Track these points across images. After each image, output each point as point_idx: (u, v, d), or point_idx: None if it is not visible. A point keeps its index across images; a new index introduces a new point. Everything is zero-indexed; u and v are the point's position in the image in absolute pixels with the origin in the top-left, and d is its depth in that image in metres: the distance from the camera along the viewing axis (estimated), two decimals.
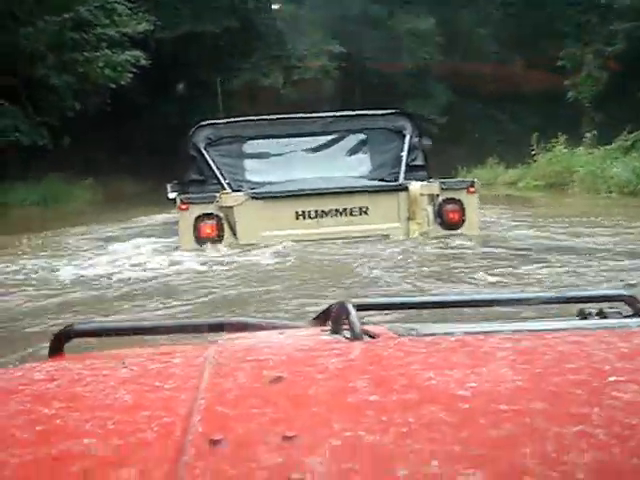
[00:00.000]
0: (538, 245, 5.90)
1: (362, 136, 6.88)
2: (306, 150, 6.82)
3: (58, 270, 5.22)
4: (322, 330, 0.78)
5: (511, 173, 18.36)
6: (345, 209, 5.89)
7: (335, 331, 0.74)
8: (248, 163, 6.67)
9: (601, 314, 0.82)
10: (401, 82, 25.66)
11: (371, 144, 6.84)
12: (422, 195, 6.00)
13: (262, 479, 0.40)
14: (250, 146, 6.71)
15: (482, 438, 0.44)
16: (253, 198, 5.82)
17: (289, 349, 0.68)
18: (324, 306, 0.85)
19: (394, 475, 0.40)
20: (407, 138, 6.73)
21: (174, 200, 6.20)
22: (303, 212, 5.84)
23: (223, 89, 20.01)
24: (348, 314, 0.71)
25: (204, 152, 6.45)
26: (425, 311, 1.42)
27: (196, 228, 5.68)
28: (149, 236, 6.86)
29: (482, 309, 0.97)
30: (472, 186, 6.21)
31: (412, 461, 0.41)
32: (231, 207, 5.75)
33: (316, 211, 5.86)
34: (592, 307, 0.84)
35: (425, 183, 6.17)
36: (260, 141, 6.74)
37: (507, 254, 5.44)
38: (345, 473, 0.41)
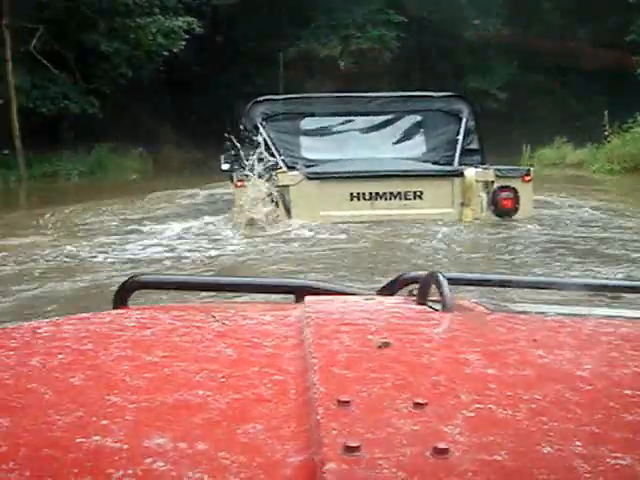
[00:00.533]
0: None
1: (418, 117, 7.00)
2: (362, 129, 6.97)
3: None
4: (406, 299, 0.76)
5: (579, 153, 17.36)
6: (399, 192, 6.03)
7: (421, 302, 0.72)
8: (303, 140, 6.85)
9: None
10: (462, 54, 25.11)
11: (427, 126, 6.96)
12: (477, 181, 6.10)
13: (404, 445, 0.39)
14: (306, 123, 6.89)
15: (618, 422, 0.42)
16: (309, 178, 5.99)
17: (384, 315, 0.66)
18: (392, 277, 0.84)
19: (540, 452, 0.39)
20: (464, 121, 6.83)
21: (228, 172, 6.46)
22: (358, 194, 6.01)
23: (278, 61, 20.14)
24: (440, 285, 0.68)
25: (260, 127, 6.65)
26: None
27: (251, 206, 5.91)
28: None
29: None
30: (528, 174, 6.29)
31: (554, 439, 0.40)
32: (287, 186, 5.95)
33: (370, 193, 6.01)
34: None
35: (480, 170, 6.26)
36: (316, 118, 6.91)
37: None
38: (488, 446, 0.39)
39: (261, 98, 6.90)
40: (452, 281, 0.74)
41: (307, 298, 0.73)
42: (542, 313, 0.70)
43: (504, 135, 22.63)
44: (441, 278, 0.69)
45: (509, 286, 0.97)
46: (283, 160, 6.48)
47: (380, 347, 0.52)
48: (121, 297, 0.77)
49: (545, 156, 18.05)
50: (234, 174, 6.16)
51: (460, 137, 6.74)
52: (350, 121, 6.96)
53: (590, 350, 0.54)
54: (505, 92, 24.49)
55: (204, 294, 1.07)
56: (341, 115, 6.94)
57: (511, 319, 0.64)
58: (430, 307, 0.69)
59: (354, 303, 0.73)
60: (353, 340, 0.55)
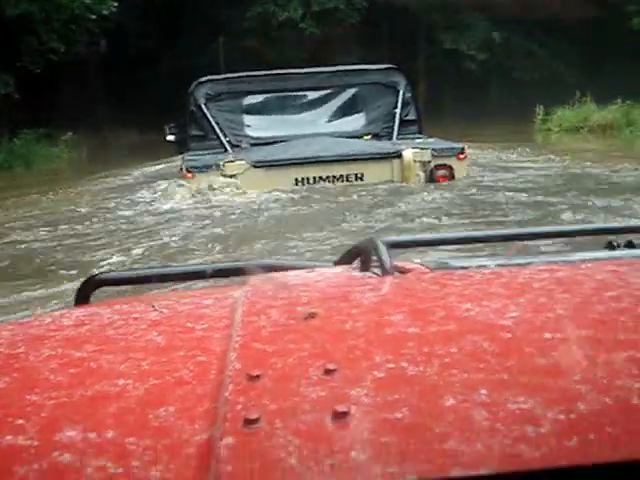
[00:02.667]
0: None
1: (356, 91, 8.15)
2: (302, 105, 8.15)
3: None
4: (351, 268, 0.85)
5: (606, 114, 15.34)
6: (342, 175, 7.17)
7: (365, 269, 0.81)
8: (246, 118, 8.00)
9: (630, 245, 0.93)
10: (432, 12, 26.00)
11: (365, 99, 8.16)
12: (415, 162, 7.24)
13: (306, 412, 0.45)
14: (248, 101, 8.03)
15: (530, 366, 0.49)
16: (254, 166, 7.04)
17: (320, 286, 0.76)
18: (348, 247, 0.93)
19: (442, 405, 0.45)
20: (400, 93, 8.02)
21: (172, 142, 7.65)
22: (302, 179, 7.12)
23: (233, 30, 20.94)
24: (378, 251, 0.78)
25: (204, 107, 7.79)
26: (452, 248, 1.39)
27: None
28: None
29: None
30: (462, 152, 7.48)
31: (459, 390, 0.46)
32: (234, 175, 6.99)
33: (314, 177, 7.14)
34: (620, 239, 0.93)
35: (418, 150, 7.35)
36: (258, 96, 8.05)
37: None
38: (391, 404, 0.45)
39: (204, 79, 8.00)
40: (394, 245, 0.85)
41: (252, 277, 0.82)
42: (483, 266, 0.78)
43: (483, 96, 23.56)
44: (379, 244, 0.79)
45: (449, 243, 1.05)
46: (228, 141, 7.62)
47: (306, 318, 0.60)
48: (82, 297, 0.89)
49: (564, 117, 16.29)
50: (183, 165, 7.16)
51: (398, 109, 7.96)
52: (291, 97, 8.11)
53: (518, 298, 0.62)
54: (484, 52, 25.54)
55: (169, 285, 1.18)
56: (282, 91, 8.09)
57: (447, 276, 0.73)
58: (373, 273, 0.78)
59: (295, 276, 0.82)
60: (281, 314, 0.62)
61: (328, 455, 0.43)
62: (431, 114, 23.40)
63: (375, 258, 0.79)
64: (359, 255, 0.86)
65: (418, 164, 7.27)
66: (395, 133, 7.92)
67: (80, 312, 0.75)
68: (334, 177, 7.17)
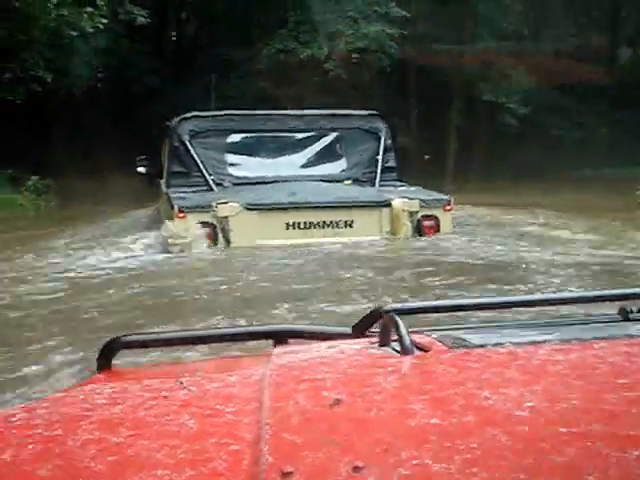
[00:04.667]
0: None
1: (339, 135, 9.62)
2: (285, 146, 9.61)
3: None
4: (371, 342, 1.00)
5: None
6: (332, 221, 8.49)
7: (384, 343, 0.97)
8: (229, 157, 9.44)
9: None
10: (469, 62, 27.38)
11: (347, 143, 9.61)
12: (403, 211, 8.61)
13: None
14: (232, 139, 9.49)
15: (546, 465, 0.58)
16: (247, 209, 8.33)
17: (343, 367, 0.89)
18: (366, 311, 1.11)
19: None
20: (382, 139, 9.50)
21: (143, 175, 9.18)
22: (293, 223, 8.44)
23: (251, 68, 22.61)
24: (397, 326, 0.93)
25: (188, 144, 9.25)
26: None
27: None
28: None
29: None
30: (448, 204, 8.89)
31: None
32: (226, 217, 8.26)
33: (305, 222, 8.45)
34: (632, 304, 1.10)
35: (406, 200, 8.71)
36: (242, 135, 9.53)
37: None
38: None
39: (189, 115, 9.45)
40: (408, 312, 1.01)
41: (274, 350, 1.00)
42: (498, 344, 0.90)
43: (523, 156, 24.62)
44: (397, 319, 0.94)
45: (463, 310, 1.21)
46: (212, 179, 9.05)
47: (332, 405, 0.71)
48: (105, 358, 1.04)
49: None
50: (175, 204, 8.32)
51: (380, 155, 9.43)
52: (275, 138, 9.58)
53: (534, 385, 0.73)
54: (526, 107, 26.83)
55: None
56: (266, 132, 9.57)
57: (465, 357, 0.86)
58: (393, 349, 0.93)
59: (317, 353, 0.97)
60: (307, 399, 0.74)
61: None
62: (460, 168, 24.85)
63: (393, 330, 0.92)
64: (375, 321, 1.03)
65: (406, 214, 8.64)
66: (377, 179, 9.37)
67: (111, 388, 0.89)
68: (324, 223, 8.48)
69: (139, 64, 20.60)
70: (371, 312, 1.09)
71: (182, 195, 8.68)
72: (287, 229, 8.46)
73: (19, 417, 0.81)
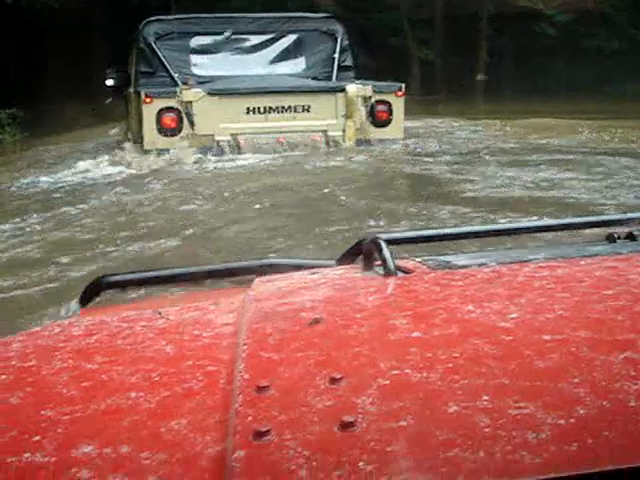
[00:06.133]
0: None
1: (298, 37, 11.31)
2: (247, 47, 11.31)
3: None
4: (354, 268, 1.11)
5: None
6: (290, 106, 10.20)
7: (368, 268, 1.06)
8: (193, 57, 11.16)
9: (630, 237, 1.19)
10: None
11: (306, 45, 11.30)
12: (357, 96, 10.29)
13: (313, 423, 0.60)
14: (196, 41, 11.18)
15: (530, 370, 0.64)
16: (210, 94, 10.07)
17: (323, 289, 0.98)
18: (351, 243, 1.20)
19: (446, 412, 0.60)
20: (339, 40, 11.18)
21: (113, 87, 10.88)
22: (254, 108, 10.16)
23: None
24: (380, 250, 1.02)
25: (153, 45, 10.97)
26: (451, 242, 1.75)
27: (158, 120, 9.98)
28: None
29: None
30: (400, 90, 10.60)
31: (462, 397, 0.61)
32: (190, 102, 10.01)
33: (265, 107, 10.17)
34: (621, 230, 1.19)
35: (360, 86, 10.45)
36: (205, 37, 11.24)
37: None
38: (396, 413, 0.60)
39: (153, 18, 11.09)
40: (394, 241, 1.10)
41: (256, 280, 1.08)
42: (483, 264, 1.00)
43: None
44: (381, 242, 1.03)
45: (450, 239, 1.31)
46: (177, 77, 10.85)
47: (311, 324, 0.78)
48: (86, 299, 1.18)
49: None
50: (141, 90, 10.15)
51: (336, 55, 11.11)
52: (236, 40, 11.24)
53: (518, 298, 0.81)
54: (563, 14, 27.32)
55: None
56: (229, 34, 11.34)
57: (448, 276, 0.95)
58: (376, 273, 1.02)
59: (299, 279, 1.06)
60: (286, 320, 0.82)
61: (337, 466, 0.56)
62: (490, 82, 25.83)
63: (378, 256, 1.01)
64: (361, 252, 1.11)
65: (360, 99, 10.33)
66: (334, 76, 11.03)
67: (89, 320, 0.98)
68: (283, 108, 10.19)
69: None
70: (356, 243, 1.18)
71: (148, 86, 10.48)
72: (247, 113, 10.19)
73: None
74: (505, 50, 27.40)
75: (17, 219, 7.48)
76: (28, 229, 7.07)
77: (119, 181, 9.38)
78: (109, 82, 11.95)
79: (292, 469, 0.56)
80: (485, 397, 0.61)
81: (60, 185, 9.43)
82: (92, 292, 1.22)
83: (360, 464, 0.56)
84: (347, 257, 1.23)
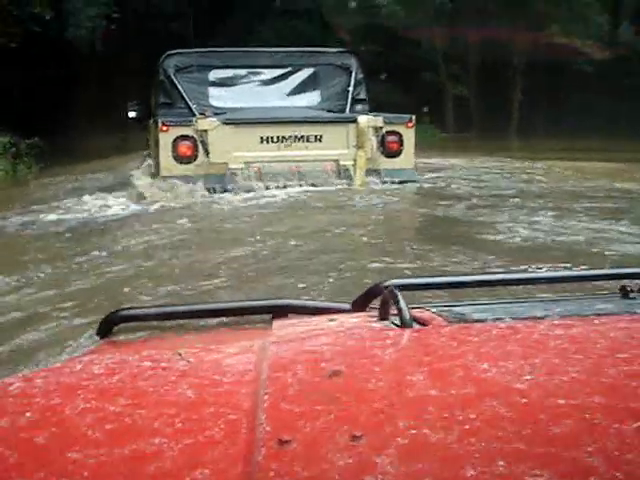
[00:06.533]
0: None
1: (314, 70, 12.07)
2: (264, 80, 12.07)
3: None
4: (370, 316, 1.17)
5: None
6: (303, 136, 10.88)
7: (383, 317, 1.12)
8: (211, 90, 11.93)
9: None
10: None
11: (321, 78, 12.05)
12: (368, 127, 10.94)
13: None
14: (214, 74, 11.96)
15: (544, 436, 0.67)
16: (225, 124, 10.77)
17: (341, 338, 1.04)
18: (366, 287, 1.27)
19: (463, 475, 0.63)
20: (353, 74, 11.93)
21: (134, 119, 11.68)
22: (267, 137, 10.85)
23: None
24: (396, 300, 1.07)
25: (173, 77, 11.75)
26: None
27: (174, 147, 10.72)
28: None
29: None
30: (410, 121, 11.27)
31: (479, 461, 0.64)
32: (205, 130, 10.72)
33: (278, 137, 10.85)
34: (633, 284, 1.26)
35: (371, 117, 11.13)
36: (223, 70, 12.00)
37: None
38: (415, 474, 0.63)
39: (173, 51, 11.89)
40: (409, 287, 1.19)
41: (274, 323, 1.16)
42: (498, 319, 1.07)
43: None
44: (396, 291, 1.09)
45: (464, 286, 1.40)
46: (195, 108, 11.61)
47: (330, 376, 0.81)
48: (104, 331, 1.23)
49: None
50: (158, 119, 10.91)
51: (350, 88, 11.84)
52: (253, 73, 12.00)
53: (533, 359, 0.84)
54: (604, 50, 27.30)
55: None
56: (245, 67, 12.01)
57: (464, 331, 1.00)
58: (392, 322, 1.08)
59: (317, 326, 1.13)
60: (306, 370, 0.85)
61: None
62: (523, 121, 26.21)
63: (393, 304, 1.07)
64: (376, 296, 1.20)
65: (371, 129, 10.97)
66: (347, 109, 11.76)
67: (109, 358, 1.04)
68: (296, 137, 10.87)
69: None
70: (371, 287, 1.27)
71: (167, 116, 11.22)
72: (261, 143, 10.86)
73: (17, 386, 0.93)
74: (540, 87, 27.84)
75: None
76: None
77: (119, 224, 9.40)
78: (131, 114, 12.78)
79: None
80: (501, 462, 0.64)
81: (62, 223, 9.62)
82: (108, 325, 1.28)
83: None
84: (362, 300, 1.31)
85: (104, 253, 7.44)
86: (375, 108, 12.04)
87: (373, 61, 25.81)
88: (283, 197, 10.36)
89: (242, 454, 0.70)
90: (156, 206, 10.21)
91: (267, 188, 10.64)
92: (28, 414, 0.83)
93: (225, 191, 10.55)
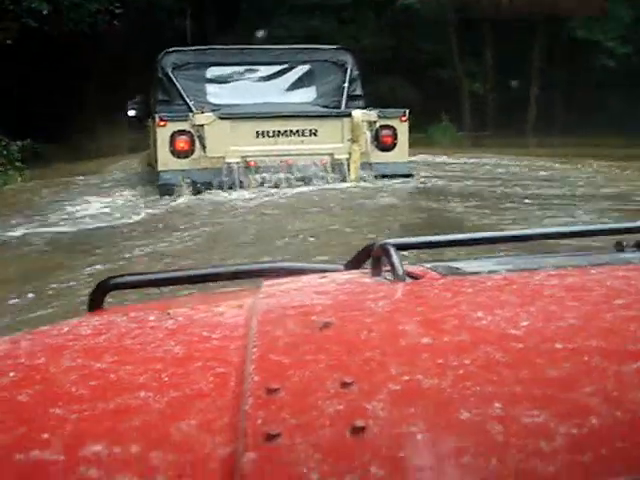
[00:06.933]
0: None
1: (309, 67, 12.67)
2: (260, 77, 12.68)
3: None
4: (363, 272, 1.19)
5: None
6: (298, 130, 11.47)
7: (376, 273, 1.14)
8: (209, 87, 12.49)
9: (638, 245, 1.29)
10: None
11: (317, 74, 12.66)
12: (363, 121, 11.53)
13: (324, 427, 0.64)
14: (211, 72, 12.52)
15: (541, 378, 0.68)
16: (221, 118, 11.38)
17: (333, 293, 1.05)
18: (360, 248, 1.27)
19: (457, 418, 0.64)
20: (349, 71, 12.53)
21: (134, 117, 12.27)
22: (263, 132, 11.43)
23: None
24: (389, 255, 1.09)
25: (171, 75, 12.32)
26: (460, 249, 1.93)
27: (172, 142, 11.27)
28: None
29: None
30: (404, 115, 11.83)
31: (473, 404, 0.65)
32: (202, 125, 11.30)
33: (273, 131, 11.44)
34: (629, 238, 1.27)
35: (365, 111, 11.72)
36: (220, 67, 12.57)
37: None
38: (407, 418, 0.64)
39: (171, 49, 12.49)
40: (403, 246, 1.17)
41: (265, 282, 1.15)
42: (493, 271, 1.08)
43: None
44: (390, 248, 1.10)
45: (459, 245, 1.42)
46: (193, 104, 12.13)
47: (321, 328, 0.83)
48: (95, 300, 1.20)
49: None
50: (156, 115, 11.47)
51: (346, 84, 12.44)
52: (250, 70, 12.60)
53: (529, 306, 0.87)
54: (625, 45, 26.52)
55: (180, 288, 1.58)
56: (243, 64, 12.60)
57: (458, 282, 1.02)
58: (385, 278, 1.09)
59: (308, 282, 1.14)
60: (296, 324, 0.87)
61: (348, 471, 0.61)
62: (541, 121, 26.22)
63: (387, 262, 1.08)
64: (369, 257, 1.20)
65: (365, 123, 11.57)
66: (343, 105, 12.33)
67: (97, 320, 1.05)
68: (291, 131, 11.48)
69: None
70: (364, 248, 1.28)
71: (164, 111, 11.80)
72: (257, 137, 11.46)
73: (2, 348, 0.96)
74: (558, 83, 28.01)
75: None
76: None
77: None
78: (131, 112, 13.42)
79: (303, 472, 0.61)
80: (497, 404, 0.65)
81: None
82: (99, 293, 1.25)
83: (371, 469, 0.61)
84: (355, 262, 1.33)
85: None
86: (388, 105, 12.67)
87: (386, 57, 26.30)
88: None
89: (230, 404, 0.71)
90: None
91: (263, 180, 11.26)
92: (12, 374, 0.86)
93: (220, 187, 11.16)
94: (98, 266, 7.09)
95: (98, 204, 11.36)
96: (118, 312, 1.14)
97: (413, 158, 12.77)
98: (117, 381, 0.80)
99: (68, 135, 18.93)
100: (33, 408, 0.76)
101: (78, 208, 11.07)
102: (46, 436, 0.70)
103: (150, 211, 10.51)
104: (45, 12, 16.33)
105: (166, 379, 0.78)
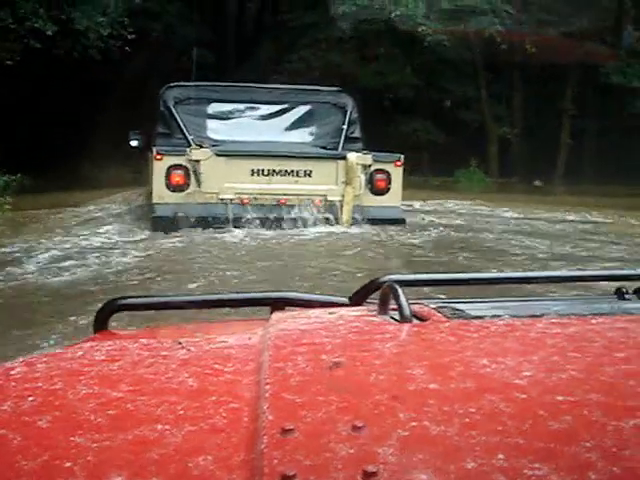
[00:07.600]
0: None
1: (310, 108, 13.54)
2: (260, 116, 13.56)
3: None
4: (369, 310, 1.26)
5: None
6: (293, 170, 12.29)
7: (383, 311, 1.21)
8: (209, 122, 13.33)
9: (638, 292, 1.38)
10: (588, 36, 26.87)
11: (317, 115, 13.54)
12: (357, 164, 12.31)
13: (338, 470, 0.69)
14: (212, 108, 13.37)
15: (543, 431, 0.73)
16: (217, 155, 12.19)
17: (342, 331, 1.13)
18: (365, 281, 1.36)
19: (463, 467, 0.68)
20: (348, 113, 13.39)
21: (136, 148, 13.28)
22: (258, 170, 12.24)
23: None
24: (397, 296, 1.16)
25: (172, 109, 13.14)
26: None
27: (167, 176, 12.04)
28: None
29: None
30: (399, 160, 12.66)
31: (479, 454, 0.70)
32: (198, 161, 12.10)
33: (268, 170, 12.26)
34: (629, 285, 1.37)
35: (360, 154, 12.52)
36: (221, 104, 13.41)
37: None
38: (416, 465, 0.69)
39: (173, 84, 13.34)
40: (408, 284, 1.28)
41: (273, 315, 1.23)
42: (497, 316, 1.15)
43: None
44: (397, 288, 1.17)
45: (461, 284, 1.53)
46: (192, 139, 12.85)
47: (331, 368, 0.90)
48: (101, 320, 1.28)
49: None
50: (153, 148, 12.26)
51: (345, 126, 13.26)
52: (251, 108, 13.47)
53: (532, 355, 0.93)
54: None
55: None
56: (244, 102, 13.47)
57: (464, 327, 1.09)
58: (391, 317, 1.18)
59: (317, 318, 1.21)
60: (307, 362, 0.93)
61: None
62: (571, 169, 26.40)
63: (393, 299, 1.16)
64: (374, 291, 1.31)
65: (360, 166, 12.33)
66: (340, 147, 13.11)
67: (110, 346, 1.12)
68: (286, 171, 12.28)
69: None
70: (370, 282, 1.37)
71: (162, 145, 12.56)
72: (252, 175, 12.25)
73: (19, 371, 1.00)
74: (589, 129, 28.43)
75: None
76: None
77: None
78: (133, 143, 14.31)
79: None
80: (501, 455, 0.70)
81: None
82: (106, 313, 1.31)
83: None
84: (361, 295, 1.41)
85: None
86: (411, 147, 13.41)
87: (410, 96, 26.92)
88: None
89: (245, 442, 0.76)
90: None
91: (256, 218, 11.98)
92: (31, 398, 0.91)
93: (214, 223, 11.92)
94: None
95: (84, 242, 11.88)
96: (128, 337, 1.25)
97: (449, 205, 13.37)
98: (135, 411, 0.87)
99: (62, 164, 18.97)
100: (54, 435, 0.83)
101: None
102: (69, 465, 0.76)
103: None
104: (50, 33, 16.08)
105: (181, 412, 0.85)
